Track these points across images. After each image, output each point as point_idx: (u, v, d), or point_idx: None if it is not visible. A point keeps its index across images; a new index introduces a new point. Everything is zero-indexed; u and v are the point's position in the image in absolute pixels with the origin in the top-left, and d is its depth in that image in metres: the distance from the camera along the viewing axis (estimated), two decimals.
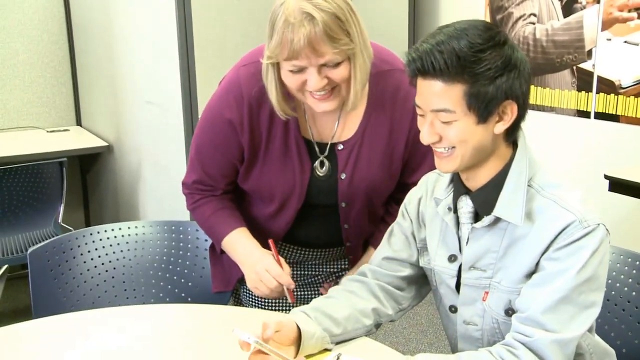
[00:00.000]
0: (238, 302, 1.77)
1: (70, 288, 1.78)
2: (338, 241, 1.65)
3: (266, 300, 1.69)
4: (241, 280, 1.67)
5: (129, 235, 1.89)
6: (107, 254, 1.85)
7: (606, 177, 2.73)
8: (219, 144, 1.54)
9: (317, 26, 1.29)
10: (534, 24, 3.34)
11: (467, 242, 1.28)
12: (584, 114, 3.22)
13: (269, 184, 1.55)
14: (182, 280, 1.88)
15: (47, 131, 3.90)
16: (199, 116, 2.36)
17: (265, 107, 1.47)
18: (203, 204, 1.62)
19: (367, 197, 1.57)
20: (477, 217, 1.27)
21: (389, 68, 1.50)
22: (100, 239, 1.86)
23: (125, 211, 3.70)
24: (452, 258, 1.32)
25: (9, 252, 2.96)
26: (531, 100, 3.37)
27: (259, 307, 1.70)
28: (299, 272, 1.71)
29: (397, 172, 1.58)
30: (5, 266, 3.04)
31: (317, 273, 1.72)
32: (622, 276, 1.53)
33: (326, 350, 1.32)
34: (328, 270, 1.73)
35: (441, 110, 1.17)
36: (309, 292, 1.72)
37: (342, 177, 1.54)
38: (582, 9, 3.13)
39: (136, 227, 1.91)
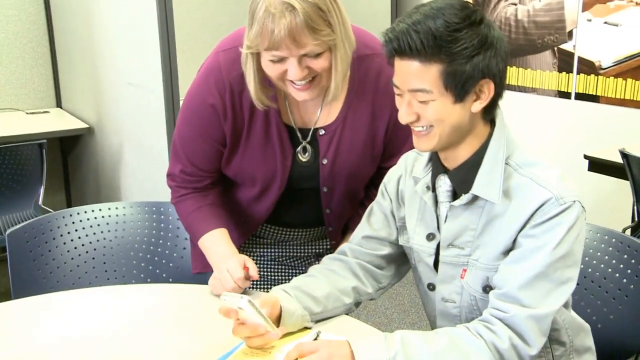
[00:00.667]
0: None
1: (50, 269, 1.77)
2: (320, 222, 1.66)
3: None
4: None
5: (109, 216, 1.88)
6: (87, 235, 1.84)
7: (586, 157, 2.76)
8: (203, 131, 1.53)
9: (298, 17, 1.28)
10: (515, 4, 3.35)
11: (445, 221, 1.29)
12: (565, 95, 3.24)
13: (250, 170, 1.55)
14: (163, 261, 1.88)
15: (27, 113, 3.86)
16: (180, 97, 2.35)
17: (246, 93, 1.46)
18: (186, 199, 1.60)
19: (348, 182, 1.57)
20: (455, 196, 1.28)
21: (371, 52, 1.49)
22: (80, 220, 1.85)
23: (107, 193, 3.68)
24: (430, 236, 1.33)
25: None
26: (513, 81, 3.40)
27: None
28: (281, 253, 1.72)
29: (378, 157, 1.58)
30: None
31: (299, 254, 1.73)
32: (599, 253, 1.55)
33: (306, 328, 1.33)
34: (311, 251, 1.74)
35: (418, 90, 1.17)
36: (293, 272, 1.73)
37: (324, 162, 1.54)
38: None
39: (117, 208, 1.90)
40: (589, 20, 3.05)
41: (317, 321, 1.36)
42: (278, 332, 1.25)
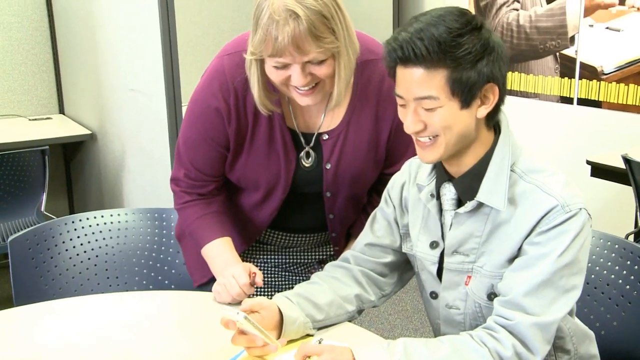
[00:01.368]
0: None
1: (52, 276, 1.77)
2: (323, 227, 1.66)
3: None
4: None
5: (112, 222, 1.88)
6: (89, 242, 1.84)
7: (588, 162, 2.75)
8: (206, 135, 1.53)
9: (301, 25, 1.28)
10: (517, 10, 3.35)
11: (450, 228, 1.29)
12: (567, 100, 3.24)
13: (254, 174, 1.55)
14: (165, 268, 1.88)
15: (29, 119, 3.86)
16: (183, 103, 2.35)
17: (250, 97, 1.46)
18: (190, 207, 1.60)
19: (351, 187, 1.57)
20: (459, 204, 1.28)
21: (374, 57, 1.49)
22: (83, 227, 1.84)
23: (110, 199, 3.68)
24: (433, 244, 1.33)
25: None
26: (515, 87, 3.39)
27: None
28: (285, 259, 1.72)
29: (381, 161, 1.58)
30: None
31: (302, 261, 1.72)
32: (602, 260, 1.54)
33: (308, 335, 1.33)
34: (314, 257, 1.73)
35: (425, 98, 1.17)
36: (296, 279, 1.73)
37: (328, 167, 1.54)
38: None
39: (119, 214, 1.89)
40: (591, 25, 3.05)
41: (319, 328, 1.35)
42: (277, 345, 1.25)
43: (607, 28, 2.99)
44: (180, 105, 2.80)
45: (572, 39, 3.13)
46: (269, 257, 1.72)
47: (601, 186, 2.91)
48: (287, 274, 1.72)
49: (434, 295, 1.36)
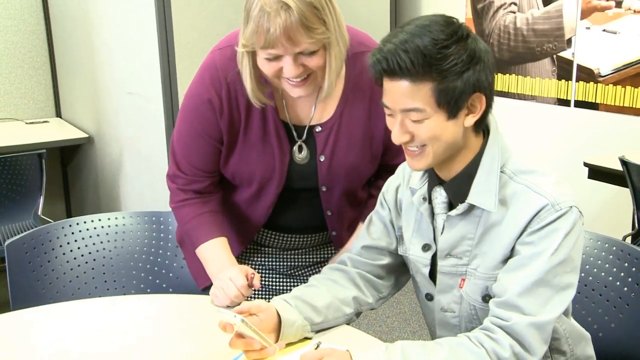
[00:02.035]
0: None
1: (50, 280, 1.77)
2: (322, 226, 1.65)
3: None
4: None
5: (109, 226, 1.88)
6: (86, 246, 1.84)
7: (585, 164, 2.76)
8: (200, 129, 1.53)
9: (293, 16, 1.29)
10: (514, 12, 3.36)
11: (442, 231, 1.29)
12: (564, 103, 3.25)
13: (248, 168, 1.55)
14: (163, 271, 1.87)
15: (26, 123, 3.86)
16: (180, 107, 2.34)
17: (242, 90, 1.47)
18: (185, 206, 1.59)
19: (347, 180, 1.57)
20: (451, 207, 1.28)
21: (366, 49, 1.49)
22: (80, 230, 1.84)
23: (107, 203, 3.68)
24: (425, 247, 1.33)
25: None
26: (512, 89, 3.40)
27: None
28: (283, 262, 1.71)
29: (377, 155, 1.58)
30: None
31: (301, 263, 1.72)
32: (600, 262, 1.55)
33: (306, 338, 1.33)
34: (313, 259, 1.73)
35: (411, 110, 1.17)
36: (294, 282, 1.72)
37: (322, 160, 1.54)
38: None
39: (116, 218, 1.89)
40: (588, 28, 3.05)
41: (318, 331, 1.35)
42: (276, 348, 1.24)
43: (604, 30, 3.00)
44: (177, 108, 2.80)
45: (569, 41, 3.13)
46: (266, 260, 1.71)
47: (598, 188, 2.91)
48: (285, 277, 1.72)
49: (429, 297, 1.36)
